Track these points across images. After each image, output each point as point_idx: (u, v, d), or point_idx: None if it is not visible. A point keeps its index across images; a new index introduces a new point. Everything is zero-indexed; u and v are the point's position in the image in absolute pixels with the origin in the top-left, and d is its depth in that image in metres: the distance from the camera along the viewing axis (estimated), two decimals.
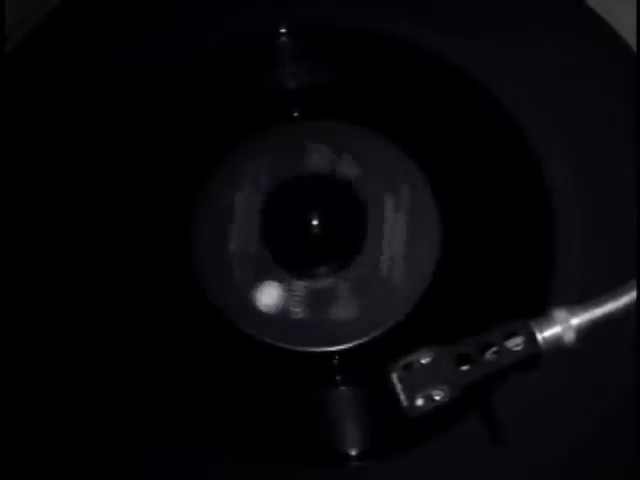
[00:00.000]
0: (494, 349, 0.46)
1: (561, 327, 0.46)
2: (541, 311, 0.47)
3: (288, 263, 0.53)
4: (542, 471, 0.47)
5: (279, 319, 0.51)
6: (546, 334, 0.46)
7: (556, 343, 0.46)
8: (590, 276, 0.50)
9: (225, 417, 0.50)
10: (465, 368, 0.46)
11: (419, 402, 0.45)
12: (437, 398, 0.45)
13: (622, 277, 0.47)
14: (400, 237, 0.53)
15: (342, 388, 0.51)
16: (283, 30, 0.57)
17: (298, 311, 0.52)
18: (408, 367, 0.46)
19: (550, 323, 0.46)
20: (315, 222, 0.53)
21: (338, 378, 0.51)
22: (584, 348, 0.46)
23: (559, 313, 0.46)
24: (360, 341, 0.51)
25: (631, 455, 0.46)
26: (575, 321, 0.46)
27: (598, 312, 0.46)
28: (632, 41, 0.54)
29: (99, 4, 0.57)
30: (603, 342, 0.48)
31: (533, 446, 0.47)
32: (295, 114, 0.57)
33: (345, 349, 0.51)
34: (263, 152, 0.55)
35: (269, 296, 0.52)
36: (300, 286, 0.52)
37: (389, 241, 0.53)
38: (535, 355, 0.46)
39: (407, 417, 0.45)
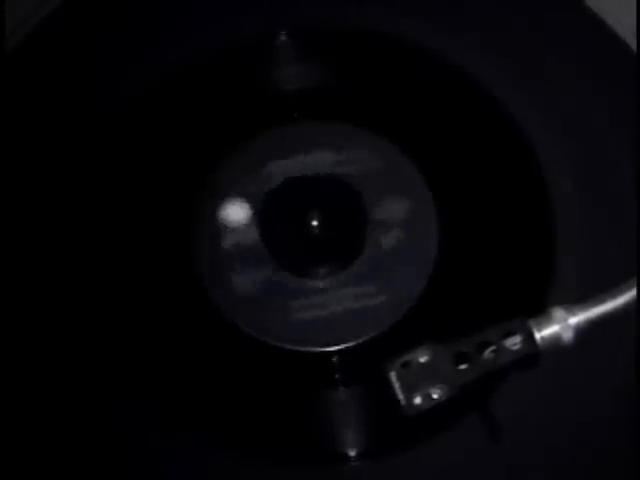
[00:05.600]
0: (492, 348, 0.46)
1: (559, 326, 0.45)
2: (540, 310, 0.47)
3: (288, 263, 0.53)
4: (541, 471, 0.47)
5: (279, 319, 0.51)
6: (544, 333, 0.45)
7: (554, 342, 0.46)
8: (590, 275, 0.50)
9: (224, 416, 0.49)
10: (463, 367, 0.45)
11: (417, 401, 0.45)
12: (435, 397, 0.45)
13: (622, 277, 0.47)
14: (400, 237, 0.53)
15: (341, 388, 0.51)
16: (283, 30, 0.57)
17: (298, 311, 0.52)
18: (406, 365, 0.46)
19: (548, 322, 0.46)
20: (315, 222, 0.53)
21: (337, 378, 0.51)
22: (584, 348, 0.46)
23: (557, 312, 0.46)
24: (360, 341, 0.51)
25: (631, 455, 0.46)
26: (573, 320, 0.45)
27: (597, 311, 0.46)
28: (632, 41, 0.54)
29: (99, 4, 0.57)
30: (603, 342, 0.47)
31: (532, 446, 0.47)
32: (295, 115, 0.57)
33: (345, 349, 0.51)
34: (263, 152, 0.55)
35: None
36: (300, 286, 0.52)
37: (389, 241, 0.53)
38: (534, 354, 0.46)
39: (405, 416, 0.45)
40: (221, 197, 0.54)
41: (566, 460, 0.47)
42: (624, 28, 0.55)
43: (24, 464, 0.47)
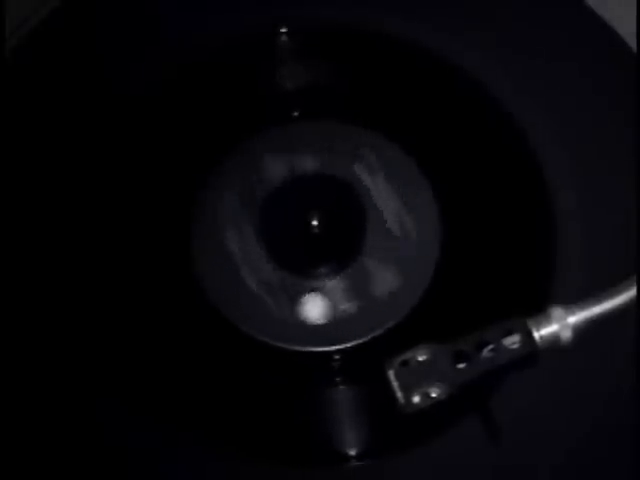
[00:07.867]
0: (491, 347, 0.46)
1: (558, 325, 0.45)
2: (540, 310, 0.47)
3: (288, 263, 0.53)
4: (541, 472, 0.47)
5: (279, 319, 0.51)
6: (543, 332, 0.46)
7: (553, 342, 0.46)
8: (589, 275, 0.50)
9: (224, 417, 0.49)
10: (462, 366, 0.45)
11: (416, 399, 0.45)
12: (434, 395, 0.45)
13: (621, 276, 0.47)
14: (400, 236, 0.53)
15: (342, 388, 0.51)
16: (283, 30, 0.57)
17: (297, 311, 0.52)
18: (405, 364, 0.46)
19: (547, 321, 0.46)
20: (315, 222, 0.53)
21: (338, 378, 0.51)
22: (583, 348, 0.46)
23: (556, 311, 0.46)
24: (360, 341, 0.51)
25: (631, 455, 0.46)
26: (572, 319, 0.46)
27: (596, 310, 0.46)
28: (632, 41, 0.55)
29: (99, 4, 0.57)
30: (602, 342, 0.47)
31: (532, 446, 0.47)
32: (295, 114, 0.57)
33: (345, 349, 0.51)
34: (263, 152, 0.55)
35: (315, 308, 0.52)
36: (300, 286, 0.52)
37: (389, 241, 0.53)
38: (533, 354, 0.46)
39: (404, 414, 0.45)
40: (221, 196, 0.54)
41: (566, 460, 0.47)
42: (624, 28, 0.55)
43: (17, 466, 0.47)
